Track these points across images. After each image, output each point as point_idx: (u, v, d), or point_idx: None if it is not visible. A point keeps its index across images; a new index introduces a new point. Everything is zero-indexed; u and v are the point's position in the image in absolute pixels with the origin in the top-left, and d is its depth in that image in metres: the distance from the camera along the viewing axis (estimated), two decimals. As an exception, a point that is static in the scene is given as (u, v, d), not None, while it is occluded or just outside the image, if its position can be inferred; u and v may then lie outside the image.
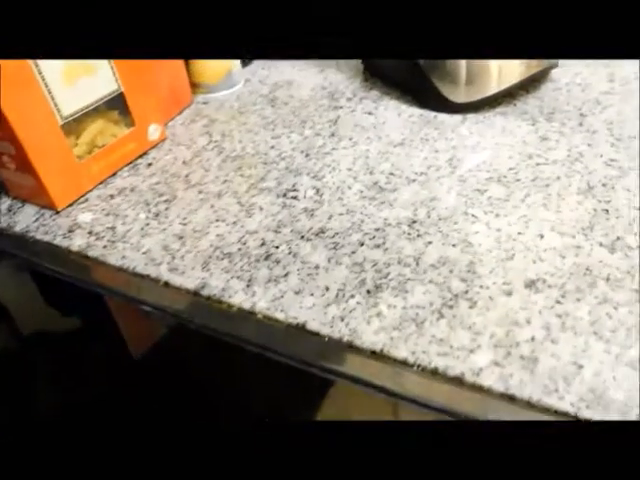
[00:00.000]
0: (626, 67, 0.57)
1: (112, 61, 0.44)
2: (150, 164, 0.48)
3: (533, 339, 0.29)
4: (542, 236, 0.35)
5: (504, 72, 0.49)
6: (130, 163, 0.48)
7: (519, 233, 0.36)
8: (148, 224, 0.41)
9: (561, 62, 0.59)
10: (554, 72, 0.55)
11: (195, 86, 0.58)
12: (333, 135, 0.49)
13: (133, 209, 0.42)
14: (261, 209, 0.41)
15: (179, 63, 0.54)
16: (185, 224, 0.40)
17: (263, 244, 0.37)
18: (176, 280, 0.35)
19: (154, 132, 0.50)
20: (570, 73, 0.57)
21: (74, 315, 0.42)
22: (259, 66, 0.65)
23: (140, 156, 0.49)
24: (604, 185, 0.40)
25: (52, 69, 0.39)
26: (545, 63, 0.51)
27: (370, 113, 0.52)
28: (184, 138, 0.51)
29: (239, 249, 0.37)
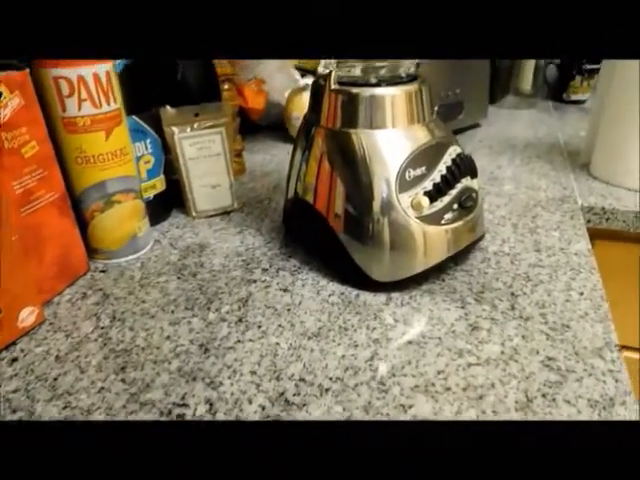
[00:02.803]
0: (552, 233, 0.56)
1: (-27, 244, 0.37)
2: (14, 360, 0.39)
3: None
4: (478, 481, 0.29)
5: (430, 249, 0.45)
6: (-10, 358, 0.40)
7: (450, 477, 0.29)
8: (-16, 461, 0.31)
9: (486, 227, 0.57)
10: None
11: (94, 251, 0.52)
12: (241, 321, 0.42)
13: (-28, 434, 0.33)
14: (136, 436, 0.32)
15: (72, 230, 0.48)
16: (33, 462, 0.31)
17: (127, 500, 0.28)
18: None
19: (28, 317, 0.42)
20: (498, 240, 0.55)
21: None
22: (173, 224, 0.60)
23: (6, 347, 0.41)
24: (544, 396, 0.34)
25: None
26: (473, 236, 0.49)
27: (286, 290, 0.46)
28: (67, 321, 0.44)
29: (94, 508, 0.28)
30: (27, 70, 0.41)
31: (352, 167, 0.45)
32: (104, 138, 0.47)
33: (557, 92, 1.20)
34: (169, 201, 0.61)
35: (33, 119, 0.42)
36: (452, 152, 0.47)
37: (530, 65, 1.14)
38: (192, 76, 0.61)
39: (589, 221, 0.65)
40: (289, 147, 0.83)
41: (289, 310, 0.44)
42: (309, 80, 0.84)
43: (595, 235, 0.67)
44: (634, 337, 0.71)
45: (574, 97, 1.17)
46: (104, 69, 0.45)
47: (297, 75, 0.86)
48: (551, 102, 1.20)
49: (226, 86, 0.67)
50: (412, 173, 0.44)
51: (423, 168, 0.44)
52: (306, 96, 0.81)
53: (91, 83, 0.44)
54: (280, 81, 0.84)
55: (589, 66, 1.14)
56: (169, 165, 0.60)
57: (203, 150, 0.58)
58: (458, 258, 0.50)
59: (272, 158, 0.82)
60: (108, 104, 0.46)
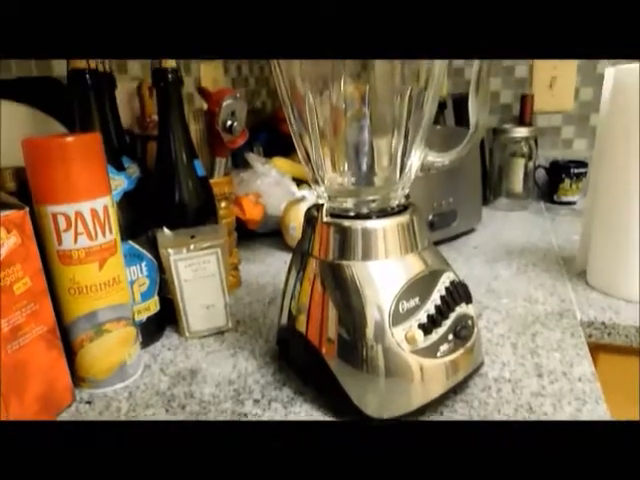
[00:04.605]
0: (553, 354, 0.54)
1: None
2: (-16, 516, 0.37)
3: None
4: None
5: (428, 383, 0.44)
6: (-42, 513, 0.37)
7: None
8: None
9: (485, 347, 0.56)
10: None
11: (80, 379, 0.50)
12: (229, 467, 0.40)
13: None
14: None
15: (59, 362, 0.47)
16: None
17: None
18: None
19: (3, 463, 0.39)
20: (497, 364, 0.53)
21: None
22: (165, 346, 0.59)
23: (-24, 499, 0.38)
24: None
25: None
26: (472, 365, 0.47)
27: (278, 427, 0.44)
28: (44, 466, 0.41)
29: None
30: (26, 209, 0.43)
31: (345, 295, 0.44)
32: (97, 269, 0.47)
33: (548, 194, 1.24)
34: (162, 321, 0.61)
35: (28, 255, 0.43)
36: (445, 279, 0.47)
37: (520, 168, 1.18)
38: (190, 196, 0.62)
39: (590, 336, 0.64)
40: (285, 256, 0.84)
41: (280, 452, 0.41)
42: (306, 192, 0.86)
43: (598, 348, 0.66)
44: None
45: (565, 199, 1.21)
46: (102, 204, 0.46)
47: (294, 187, 0.88)
48: (543, 203, 1.23)
49: (223, 204, 0.69)
50: (405, 305, 0.43)
51: (416, 299, 0.44)
52: (303, 207, 0.83)
53: (88, 218, 0.45)
54: (277, 195, 0.86)
55: (576, 170, 1.18)
56: (163, 284, 0.60)
57: (198, 271, 0.58)
58: (457, 386, 0.48)
59: (268, 268, 0.83)
60: (104, 236, 0.47)
